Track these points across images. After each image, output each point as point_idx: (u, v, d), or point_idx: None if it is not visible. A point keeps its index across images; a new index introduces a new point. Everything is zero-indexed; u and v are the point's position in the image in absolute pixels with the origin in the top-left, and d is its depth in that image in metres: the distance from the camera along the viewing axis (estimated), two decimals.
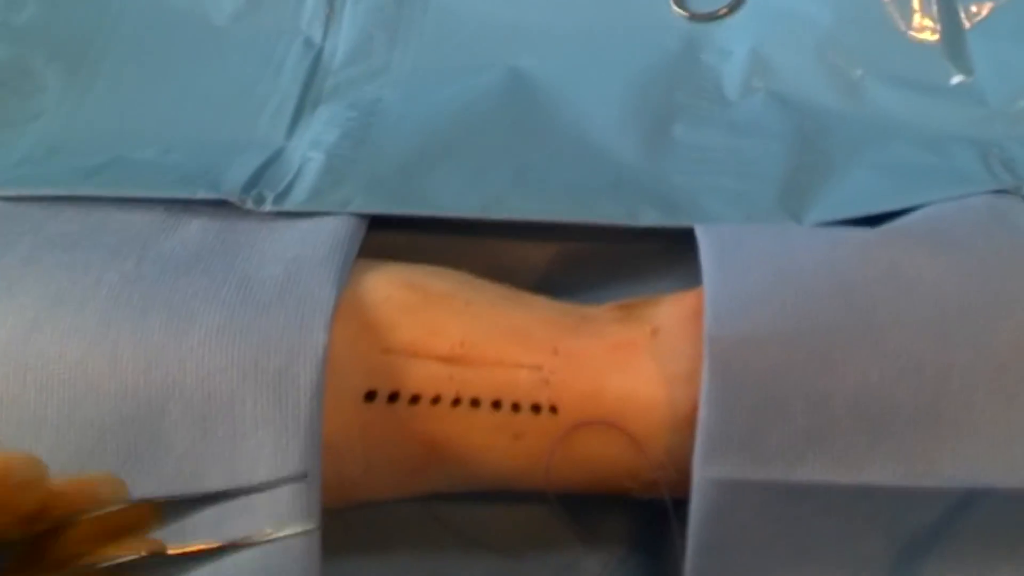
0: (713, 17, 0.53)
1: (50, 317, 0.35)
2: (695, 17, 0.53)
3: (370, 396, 0.36)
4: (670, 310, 0.38)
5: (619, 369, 0.36)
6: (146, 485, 0.34)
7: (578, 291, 0.43)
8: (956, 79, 0.49)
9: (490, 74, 0.50)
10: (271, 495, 0.33)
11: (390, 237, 0.42)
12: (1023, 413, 0.34)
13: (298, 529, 0.32)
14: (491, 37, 0.52)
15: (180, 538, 0.33)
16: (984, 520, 0.35)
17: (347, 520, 0.31)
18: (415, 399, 0.36)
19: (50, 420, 0.34)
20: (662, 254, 0.44)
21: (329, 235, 0.39)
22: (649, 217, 0.42)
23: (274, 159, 0.44)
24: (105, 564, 0.27)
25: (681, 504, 0.35)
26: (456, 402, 0.36)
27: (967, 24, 0.50)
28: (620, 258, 0.45)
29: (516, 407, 0.36)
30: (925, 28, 0.51)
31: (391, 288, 0.38)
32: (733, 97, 0.50)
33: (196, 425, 0.34)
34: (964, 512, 0.35)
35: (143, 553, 0.28)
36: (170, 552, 0.29)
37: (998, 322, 0.35)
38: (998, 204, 0.40)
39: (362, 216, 0.41)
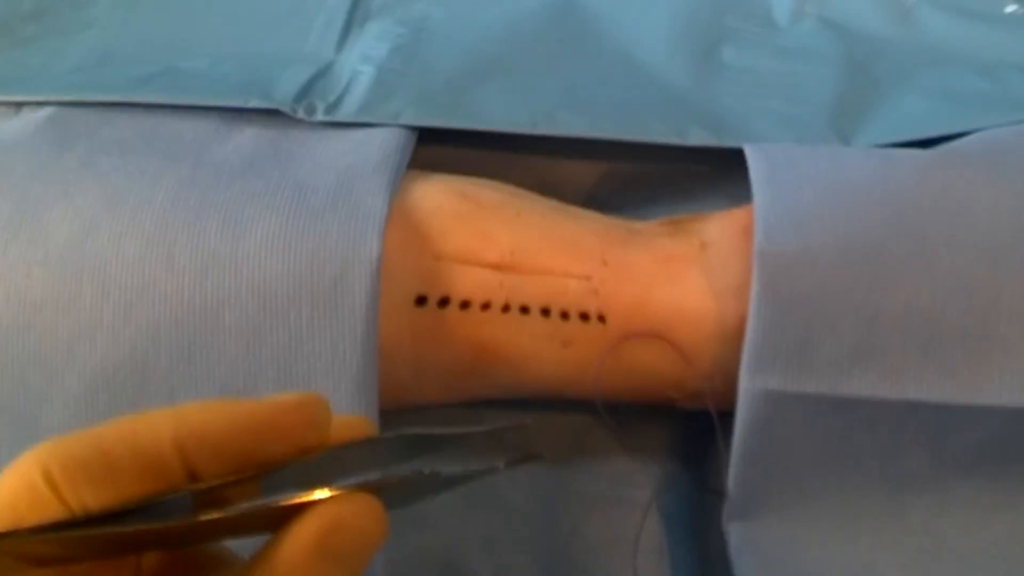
0: None
1: (107, 219, 0.36)
2: None
3: (421, 301, 0.36)
4: (719, 225, 0.38)
5: (668, 281, 0.37)
6: (199, 387, 0.35)
7: (625, 209, 0.43)
8: (1010, 7, 0.48)
9: None
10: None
11: (439, 151, 0.42)
12: None
13: None
14: None
15: None
16: None
17: (395, 423, 0.31)
18: (465, 304, 0.36)
19: (106, 321, 0.35)
20: (709, 175, 0.44)
21: (380, 145, 0.39)
22: (698, 137, 0.42)
23: (324, 72, 0.44)
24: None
25: (726, 416, 0.36)
26: (506, 308, 0.36)
27: None
28: (667, 178, 0.45)
29: (565, 315, 0.37)
30: None
31: (443, 197, 0.38)
32: (783, 23, 0.49)
33: (251, 331, 0.35)
34: (1009, 433, 0.35)
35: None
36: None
37: None
38: None
39: (412, 129, 0.41)
